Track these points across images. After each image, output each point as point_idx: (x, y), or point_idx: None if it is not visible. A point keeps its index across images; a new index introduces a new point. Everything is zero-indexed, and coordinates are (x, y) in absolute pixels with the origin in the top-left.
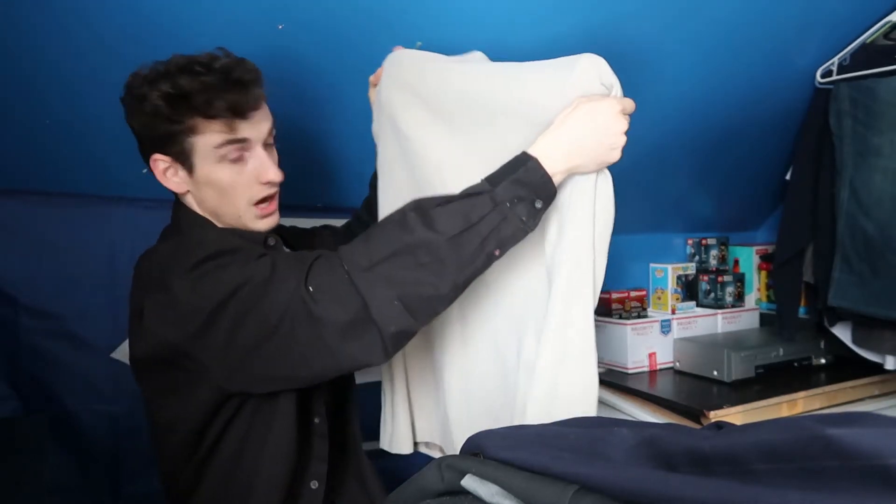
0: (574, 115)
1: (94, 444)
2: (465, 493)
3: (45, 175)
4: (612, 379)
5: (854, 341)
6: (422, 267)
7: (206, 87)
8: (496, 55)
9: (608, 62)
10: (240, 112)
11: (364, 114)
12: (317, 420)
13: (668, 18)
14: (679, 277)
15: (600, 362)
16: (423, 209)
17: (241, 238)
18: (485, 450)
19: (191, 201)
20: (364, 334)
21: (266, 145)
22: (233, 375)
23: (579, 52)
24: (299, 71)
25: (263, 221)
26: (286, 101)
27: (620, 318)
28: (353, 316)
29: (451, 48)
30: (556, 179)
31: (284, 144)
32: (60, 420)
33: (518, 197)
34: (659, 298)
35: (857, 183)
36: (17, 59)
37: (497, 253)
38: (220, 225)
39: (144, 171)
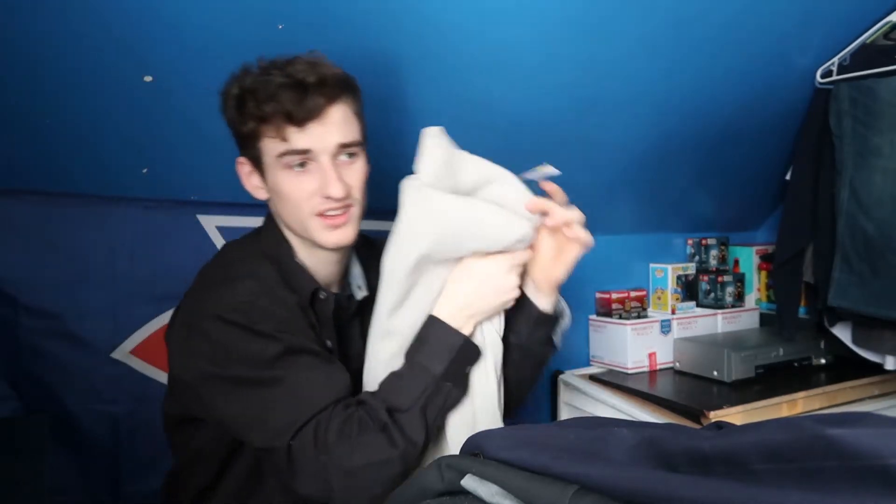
0: (464, 274)
1: (94, 444)
2: (464, 492)
3: (45, 175)
4: (612, 379)
5: (854, 341)
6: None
7: (264, 87)
8: (497, 54)
9: (605, 60)
10: (293, 119)
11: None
12: None
13: (668, 18)
14: (679, 277)
15: (601, 362)
16: (398, 424)
17: (288, 289)
18: (484, 450)
19: (273, 209)
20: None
21: (339, 157)
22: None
23: (576, 47)
24: None
25: (331, 234)
26: None
27: (620, 318)
28: (314, 484)
29: (451, 47)
30: (464, 331)
31: None
32: (60, 420)
33: (451, 366)
34: (659, 298)
35: (857, 183)
36: (18, 59)
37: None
38: (292, 238)
39: (144, 170)
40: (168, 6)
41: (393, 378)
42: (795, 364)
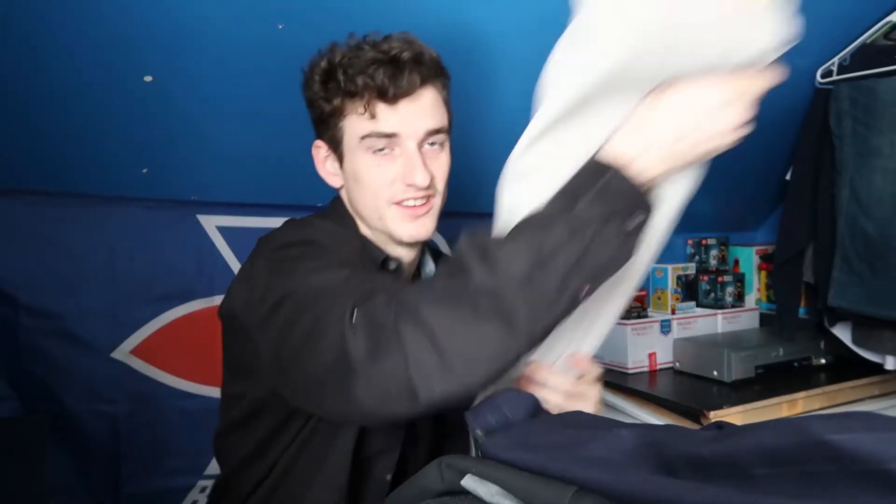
0: (665, 103)
1: (94, 444)
2: (465, 492)
3: (45, 175)
4: (612, 379)
5: (854, 341)
6: (486, 322)
7: (356, 61)
8: (497, 50)
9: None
10: (384, 93)
11: None
12: (388, 477)
13: None
14: (679, 277)
15: (600, 362)
16: (484, 248)
17: (355, 253)
18: (484, 449)
19: (345, 197)
20: (395, 391)
21: (425, 145)
22: (278, 378)
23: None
24: (300, 71)
25: (410, 226)
26: (287, 102)
27: (620, 317)
28: (388, 371)
29: (450, 47)
30: (650, 186)
31: (289, 143)
32: (60, 420)
33: (605, 215)
34: (659, 298)
35: (857, 183)
36: (18, 59)
37: (586, 290)
38: (363, 228)
39: (144, 170)
40: (168, 6)
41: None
42: (795, 364)
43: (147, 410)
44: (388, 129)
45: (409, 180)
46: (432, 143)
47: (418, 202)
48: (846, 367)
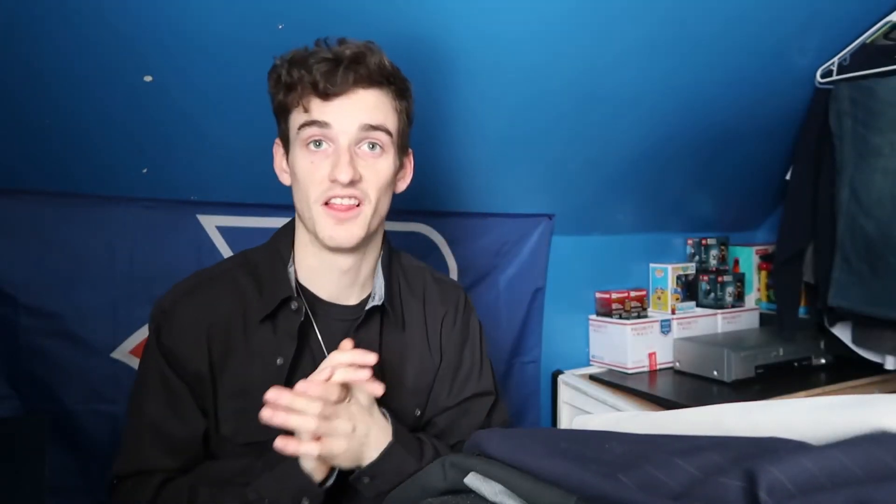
0: None
1: (94, 444)
2: (467, 491)
3: (45, 175)
4: (612, 379)
5: (854, 341)
6: None
7: (302, 59)
8: (497, 54)
9: (606, 59)
10: (319, 89)
11: None
12: None
13: (668, 18)
14: (679, 277)
15: (601, 362)
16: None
17: (255, 297)
18: (485, 450)
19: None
20: None
21: (362, 146)
22: None
23: (577, 47)
24: None
25: (334, 229)
26: None
27: (620, 318)
28: None
29: (451, 46)
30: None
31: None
32: (60, 420)
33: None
34: (659, 298)
35: (857, 183)
36: (18, 59)
37: None
38: (302, 233)
39: (144, 170)
40: (168, 6)
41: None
42: (795, 364)
43: None
44: (319, 118)
45: (332, 175)
46: (372, 146)
47: (345, 201)
48: (846, 367)
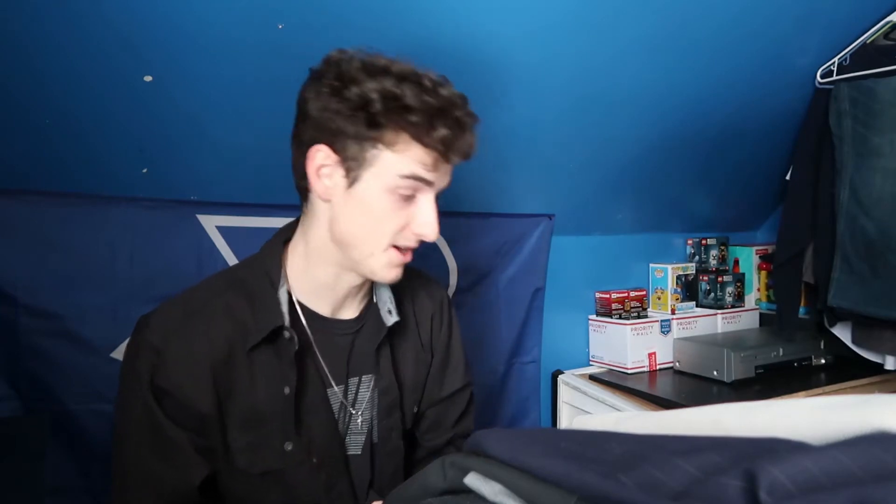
0: None
1: (94, 444)
2: (467, 491)
3: (45, 175)
4: (611, 379)
5: (854, 341)
6: None
7: (428, 108)
8: (496, 54)
9: (605, 59)
10: (448, 150)
11: None
12: None
13: (668, 18)
14: (679, 277)
15: (600, 362)
16: None
17: (216, 340)
18: (485, 450)
19: (322, 215)
20: None
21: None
22: None
23: (576, 47)
24: (299, 71)
25: (393, 271)
26: (287, 102)
27: (620, 318)
28: None
29: (451, 47)
30: None
31: (289, 143)
32: (60, 420)
33: None
34: (659, 298)
35: (857, 183)
36: (18, 59)
37: None
38: (314, 249)
39: (144, 170)
40: (168, 6)
41: None
42: (795, 364)
43: None
44: (429, 178)
45: (421, 231)
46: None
47: (410, 244)
48: (846, 367)
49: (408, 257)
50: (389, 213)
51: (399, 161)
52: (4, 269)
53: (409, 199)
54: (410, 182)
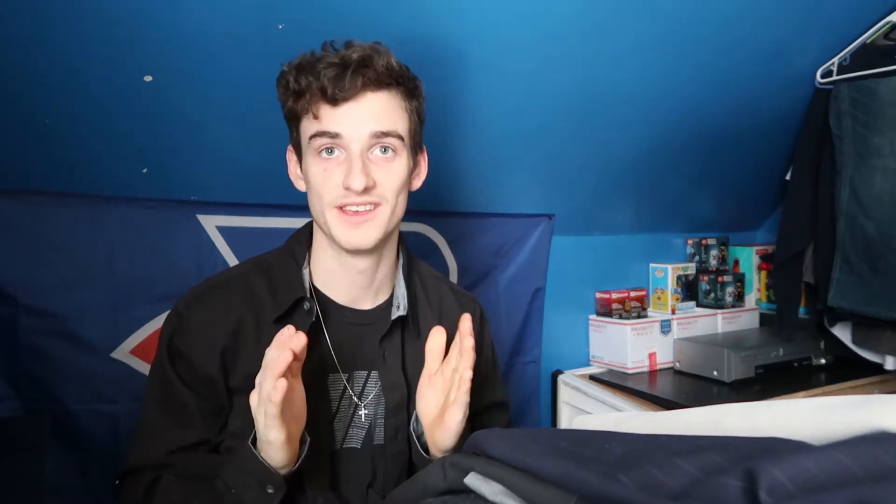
0: None
1: (94, 444)
2: (467, 491)
3: (44, 175)
4: (611, 379)
5: (854, 341)
6: None
7: (310, 64)
8: (497, 54)
9: (605, 59)
10: (328, 95)
11: None
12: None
13: (668, 17)
14: (679, 277)
15: (601, 362)
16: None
17: (268, 298)
18: (485, 450)
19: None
20: None
21: (374, 151)
22: None
23: (575, 47)
24: None
25: (350, 233)
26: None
27: (620, 318)
28: None
29: (451, 47)
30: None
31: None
32: (60, 420)
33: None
34: (659, 298)
35: (857, 183)
36: (18, 59)
37: None
38: (320, 237)
39: (144, 170)
40: (168, 6)
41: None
42: (795, 364)
43: None
44: (330, 129)
45: (346, 183)
46: (384, 150)
47: (361, 208)
48: (846, 367)
49: (360, 218)
50: (321, 175)
51: (306, 124)
52: (4, 269)
53: (336, 158)
54: (319, 140)
